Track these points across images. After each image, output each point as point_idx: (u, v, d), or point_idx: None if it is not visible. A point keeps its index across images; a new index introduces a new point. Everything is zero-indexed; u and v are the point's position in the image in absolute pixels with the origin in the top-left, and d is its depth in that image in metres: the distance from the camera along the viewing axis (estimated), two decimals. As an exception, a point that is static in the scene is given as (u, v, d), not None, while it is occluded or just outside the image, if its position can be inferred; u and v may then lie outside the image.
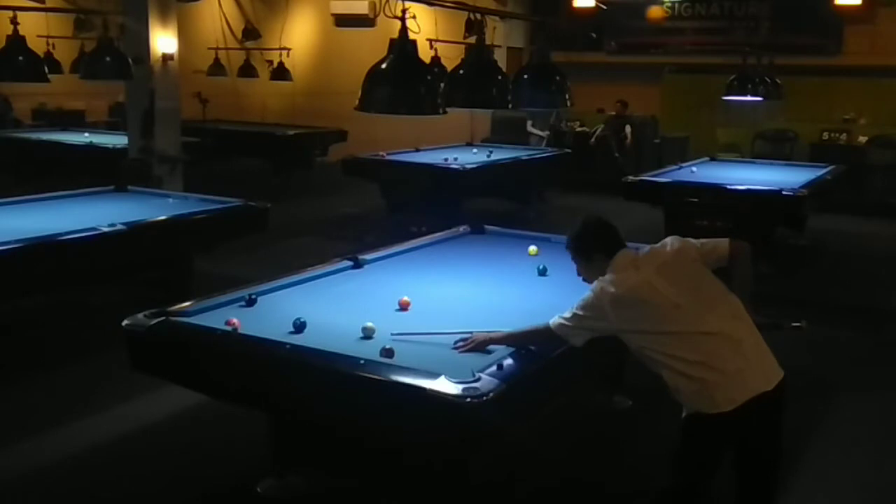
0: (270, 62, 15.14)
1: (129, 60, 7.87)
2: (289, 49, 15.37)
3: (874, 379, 5.80)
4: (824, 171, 9.72)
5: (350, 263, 4.75)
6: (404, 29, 4.03)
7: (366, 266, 4.79)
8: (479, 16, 4.85)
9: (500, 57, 12.56)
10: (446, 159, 10.09)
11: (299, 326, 3.55)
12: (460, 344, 3.40)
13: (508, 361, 3.19)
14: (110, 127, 13.56)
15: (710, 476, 3.19)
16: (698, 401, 3.07)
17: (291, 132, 13.26)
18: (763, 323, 3.30)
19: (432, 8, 5.23)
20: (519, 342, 3.35)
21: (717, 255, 3.32)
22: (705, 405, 3.05)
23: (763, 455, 3.25)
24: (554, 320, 3.25)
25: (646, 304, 3.09)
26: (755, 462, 3.25)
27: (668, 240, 3.36)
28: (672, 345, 3.06)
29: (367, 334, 3.54)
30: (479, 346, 3.37)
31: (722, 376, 3.03)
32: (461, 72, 4.82)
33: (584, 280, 3.39)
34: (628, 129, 12.87)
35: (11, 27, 6.69)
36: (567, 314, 3.21)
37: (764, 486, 3.31)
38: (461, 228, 5.85)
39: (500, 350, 3.32)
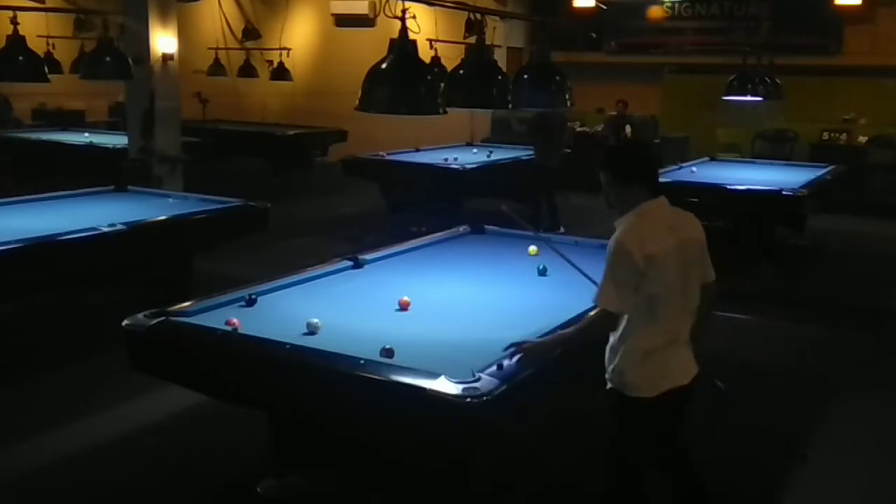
0: (270, 62, 15.13)
1: (129, 60, 7.87)
2: (289, 49, 15.36)
3: (874, 379, 5.79)
4: (824, 171, 9.73)
5: (350, 263, 4.75)
6: (404, 29, 4.03)
7: (366, 266, 4.79)
8: (479, 16, 4.85)
9: (500, 57, 12.56)
10: (446, 159, 10.09)
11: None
12: (512, 351, 3.18)
13: (508, 361, 3.19)
14: (110, 127, 13.55)
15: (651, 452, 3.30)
16: (633, 380, 3.15)
17: (291, 132, 13.27)
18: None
19: (432, 8, 5.23)
20: (582, 335, 3.20)
21: (708, 274, 3.34)
22: (631, 388, 3.15)
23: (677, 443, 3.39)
24: (594, 298, 3.13)
25: (662, 260, 3.06)
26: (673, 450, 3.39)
27: (696, 221, 3.31)
28: (639, 322, 3.10)
29: (311, 330, 3.54)
30: (530, 355, 3.16)
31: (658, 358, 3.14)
32: (461, 72, 4.82)
33: (606, 203, 3.25)
34: (628, 128, 12.85)
35: (11, 27, 6.69)
36: (602, 280, 3.10)
37: (690, 475, 3.43)
38: (461, 228, 5.85)
39: (500, 350, 3.31)
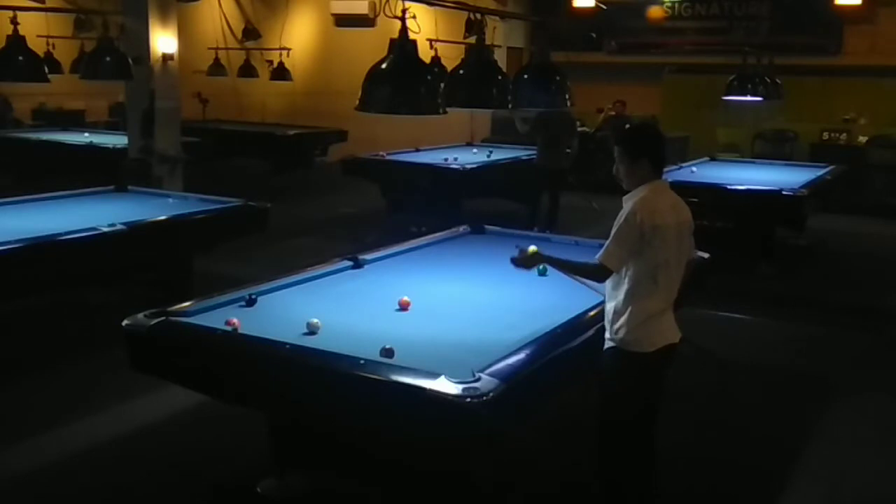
0: (270, 62, 15.12)
1: (129, 60, 7.87)
2: (289, 49, 15.36)
3: (874, 379, 5.79)
4: (824, 171, 9.73)
5: (350, 263, 4.75)
6: (404, 29, 4.04)
7: (366, 266, 4.79)
8: (479, 16, 4.85)
9: (500, 57, 12.55)
10: (446, 159, 10.09)
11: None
12: (517, 256, 3.75)
13: (508, 361, 3.19)
14: (110, 127, 13.54)
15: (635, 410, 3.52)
16: (636, 337, 3.42)
17: (291, 132, 13.27)
18: None
19: (432, 8, 5.24)
20: (572, 270, 3.66)
21: (692, 251, 3.69)
22: (633, 344, 3.42)
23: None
24: (598, 254, 3.46)
25: (664, 232, 3.38)
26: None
27: (686, 205, 3.64)
28: (641, 284, 3.39)
29: (311, 330, 3.55)
30: (533, 259, 3.72)
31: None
32: (461, 72, 4.82)
33: (617, 179, 3.54)
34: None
35: (11, 27, 6.69)
36: (607, 242, 3.43)
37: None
38: (461, 228, 5.85)
39: (500, 350, 3.32)
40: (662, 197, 3.49)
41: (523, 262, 3.78)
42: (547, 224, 9.49)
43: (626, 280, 3.42)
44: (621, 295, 3.44)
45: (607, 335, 3.51)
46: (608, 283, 3.50)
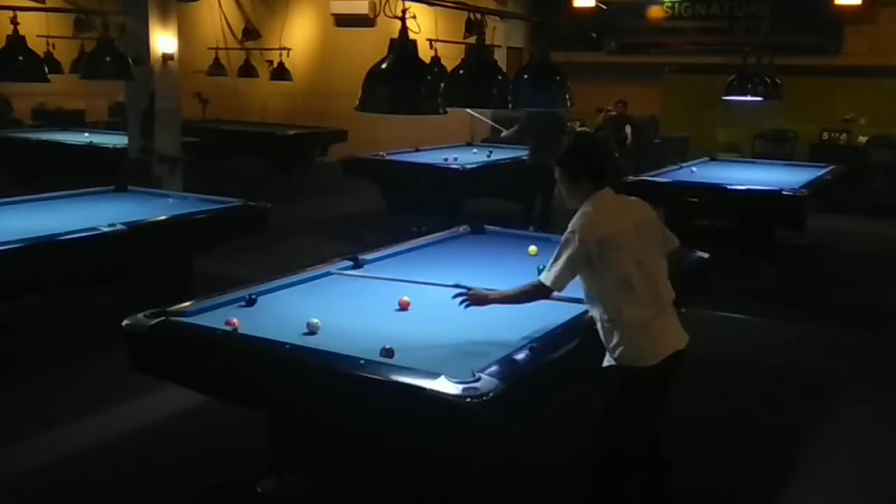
0: (270, 62, 15.11)
1: (129, 60, 7.87)
2: (289, 49, 15.35)
3: (874, 379, 5.79)
4: (824, 171, 9.74)
5: (350, 263, 4.75)
6: (404, 29, 4.04)
7: (366, 266, 4.79)
8: (479, 16, 4.86)
9: (500, 57, 12.55)
10: (446, 159, 10.09)
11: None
12: (460, 298, 3.63)
13: (508, 361, 3.19)
14: (110, 127, 13.54)
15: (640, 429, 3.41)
16: (636, 351, 3.29)
17: (291, 132, 13.27)
18: None
19: (432, 8, 5.24)
20: (515, 300, 3.59)
21: (670, 242, 3.61)
22: (633, 359, 3.29)
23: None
24: (542, 274, 3.45)
25: (618, 240, 3.30)
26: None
27: (643, 203, 3.58)
28: (623, 298, 3.29)
29: (311, 330, 3.55)
30: (478, 300, 3.61)
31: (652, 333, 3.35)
32: (461, 72, 4.83)
33: (565, 202, 3.54)
34: (628, 128, 12.83)
35: (11, 27, 6.69)
36: (551, 261, 3.39)
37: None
38: (461, 228, 5.85)
39: (500, 349, 3.32)
40: (605, 207, 3.39)
41: (477, 301, 3.65)
42: (540, 223, 9.46)
43: (598, 299, 3.34)
44: (604, 313, 3.33)
45: (606, 354, 3.37)
46: (589, 308, 3.44)
